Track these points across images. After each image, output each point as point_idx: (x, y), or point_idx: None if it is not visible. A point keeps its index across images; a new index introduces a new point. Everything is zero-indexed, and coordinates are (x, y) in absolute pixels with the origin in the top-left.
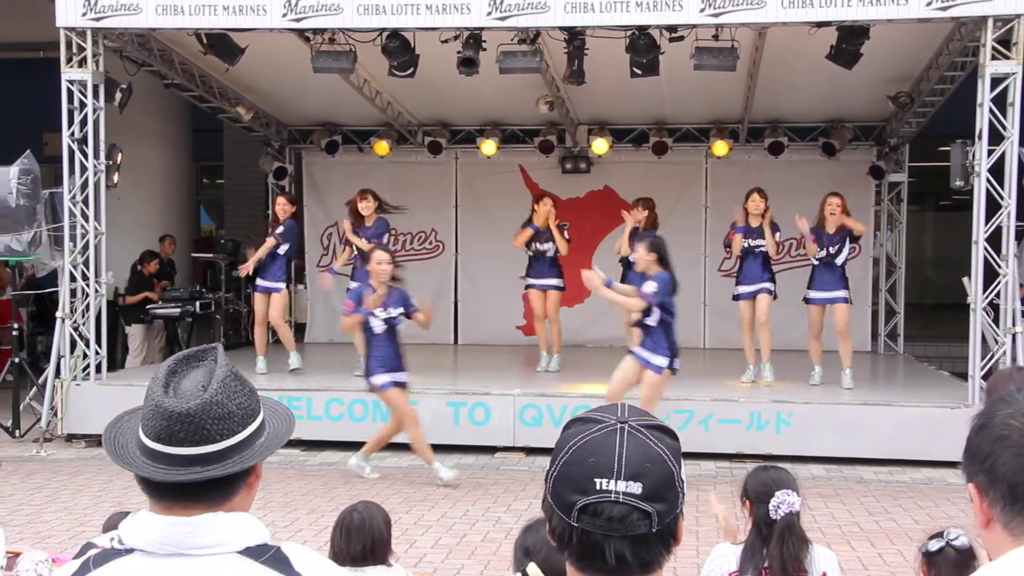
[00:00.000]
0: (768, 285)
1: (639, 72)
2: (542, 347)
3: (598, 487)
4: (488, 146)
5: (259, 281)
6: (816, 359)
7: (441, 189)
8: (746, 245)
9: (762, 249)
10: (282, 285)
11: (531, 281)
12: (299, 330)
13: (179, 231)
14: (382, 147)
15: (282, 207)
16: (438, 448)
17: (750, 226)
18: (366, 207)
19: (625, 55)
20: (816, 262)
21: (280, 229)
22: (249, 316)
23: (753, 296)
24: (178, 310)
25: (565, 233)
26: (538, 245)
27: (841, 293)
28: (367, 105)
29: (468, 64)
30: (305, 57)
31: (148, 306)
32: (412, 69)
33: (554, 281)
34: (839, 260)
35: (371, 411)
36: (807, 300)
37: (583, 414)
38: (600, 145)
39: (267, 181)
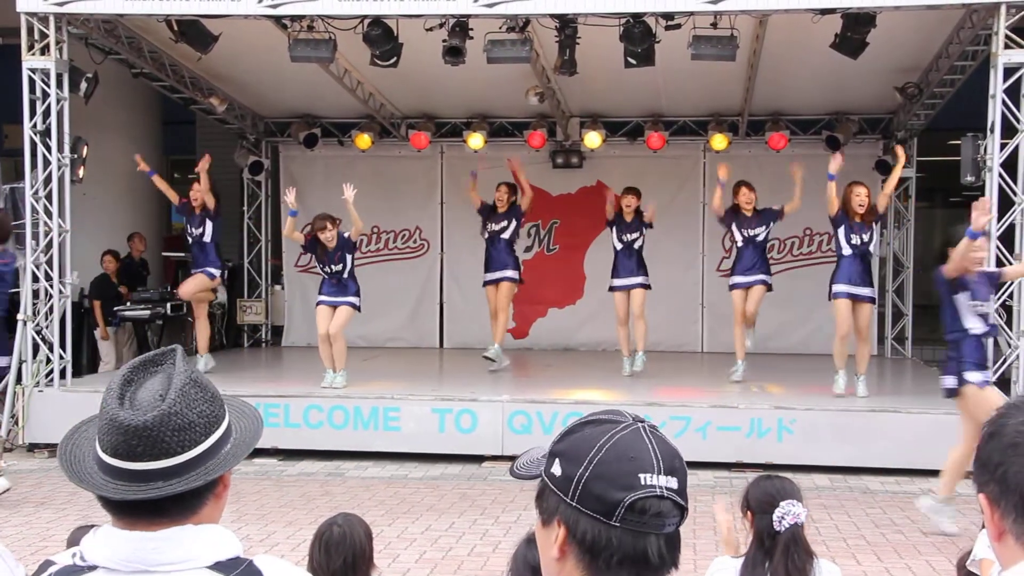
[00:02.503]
0: (765, 277)
1: (634, 62)
2: (495, 339)
3: (643, 482)
4: (475, 140)
5: (193, 270)
6: (842, 363)
7: (426, 185)
8: (745, 235)
9: (760, 239)
10: (214, 271)
11: (486, 276)
12: (276, 333)
13: (149, 229)
14: (364, 140)
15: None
16: (421, 457)
17: (745, 216)
18: (329, 238)
19: (619, 44)
20: (848, 252)
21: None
22: (223, 317)
23: (748, 287)
24: (148, 312)
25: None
26: (492, 225)
27: (869, 291)
28: (348, 96)
29: (454, 53)
30: (282, 45)
31: (116, 308)
32: (395, 59)
33: (508, 272)
34: (872, 248)
35: (351, 418)
36: (835, 295)
37: (589, 417)
38: (593, 139)
39: (242, 176)
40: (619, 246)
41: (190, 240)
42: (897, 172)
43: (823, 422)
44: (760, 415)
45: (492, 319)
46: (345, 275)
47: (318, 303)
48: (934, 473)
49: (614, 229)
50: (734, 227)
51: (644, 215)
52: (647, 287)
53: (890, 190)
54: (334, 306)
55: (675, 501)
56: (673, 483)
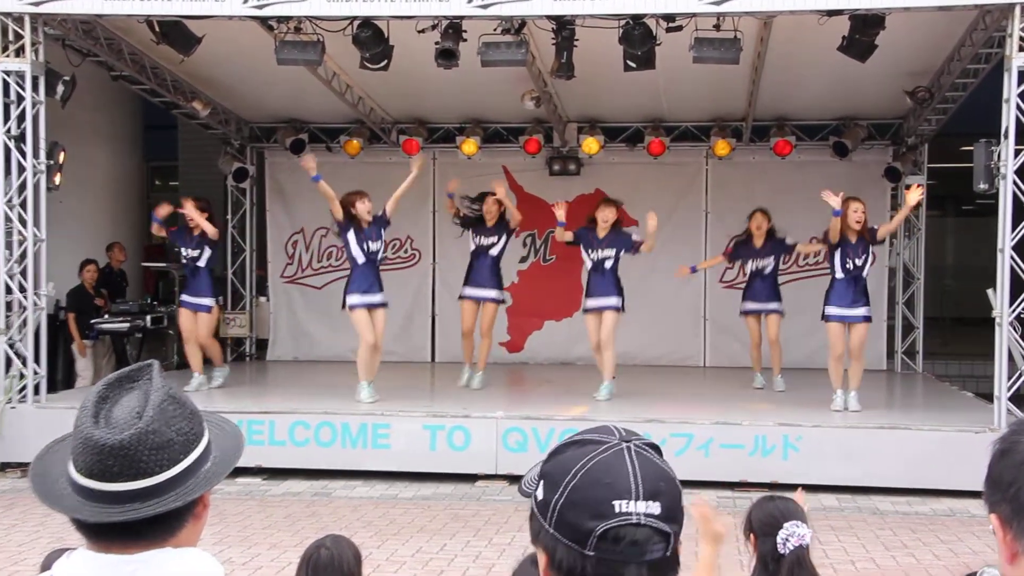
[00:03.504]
0: (777, 306)
1: (633, 65)
2: (466, 359)
3: (617, 510)
4: (469, 146)
5: (185, 297)
6: (838, 383)
7: (417, 192)
8: (753, 268)
9: (770, 271)
10: (211, 302)
11: (466, 291)
12: (261, 347)
13: (129, 238)
14: (353, 146)
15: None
16: (412, 476)
17: (754, 247)
18: (367, 209)
19: (618, 47)
20: (841, 275)
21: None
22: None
23: (760, 314)
24: (127, 325)
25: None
26: (481, 239)
27: (863, 311)
28: (336, 101)
29: (447, 56)
30: (268, 48)
31: (93, 321)
32: (386, 61)
33: (491, 293)
34: (866, 272)
35: (339, 435)
36: (827, 318)
37: (575, 437)
38: (591, 145)
39: (226, 183)
40: (589, 264)
41: (184, 260)
42: (905, 211)
43: (830, 439)
44: (765, 432)
45: (465, 338)
46: (379, 259)
47: (355, 306)
48: (947, 493)
49: (583, 245)
50: (742, 260)
51: (633, 235)
52: (619, 310)
53: (895, 226)
54: (372, 307)
55: (655, 528)
56: (654, 508)
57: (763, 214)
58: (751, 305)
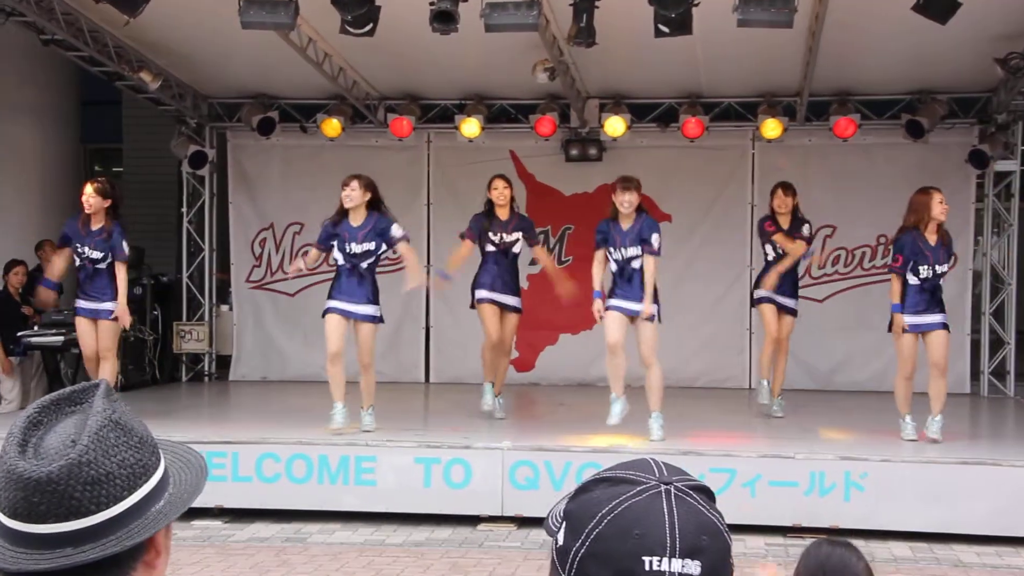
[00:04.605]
0: (794, 304)
1: (666, 30)
2: (487, 376)
3: (647, 567)
4: (470, 126)
5: (82, 303)
6: (907, 407)
7: (409, 181)
8: (781, 251)
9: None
10: (115, 307)
11: (482, 293)
12: (223, 364)
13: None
14: (332, 126)
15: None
16: (402, 518)
17: (779, 227)
18: (353, 197)
19: (648, 8)
20: (915, 282)
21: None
22: (156, 345)
23: (779, 308)
24: (61, 338)
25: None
26: (501, 236)
27: (940, 317)
28: (313, 72)
29: (444, 20)
30: (231, 8)
31: (20, 334)
32: (371, 25)
33: (513, 300)
34: (943, 281)
35: (315, 469)
36: (902, 328)
37: (607, 472)
38: (615, 125)
39: (181, 170)
40: (613, 267)
41: (82, 260)
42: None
43: (902, 476)
44: (823, 467)
45: (492, 349)
46: (365, 265)
47: (328, 311)
48: None
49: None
50: (764, 242)
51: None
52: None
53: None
54: (349, 316)
55: None
56: (693, 568)
57: (785, 190)
58: (767, 293)
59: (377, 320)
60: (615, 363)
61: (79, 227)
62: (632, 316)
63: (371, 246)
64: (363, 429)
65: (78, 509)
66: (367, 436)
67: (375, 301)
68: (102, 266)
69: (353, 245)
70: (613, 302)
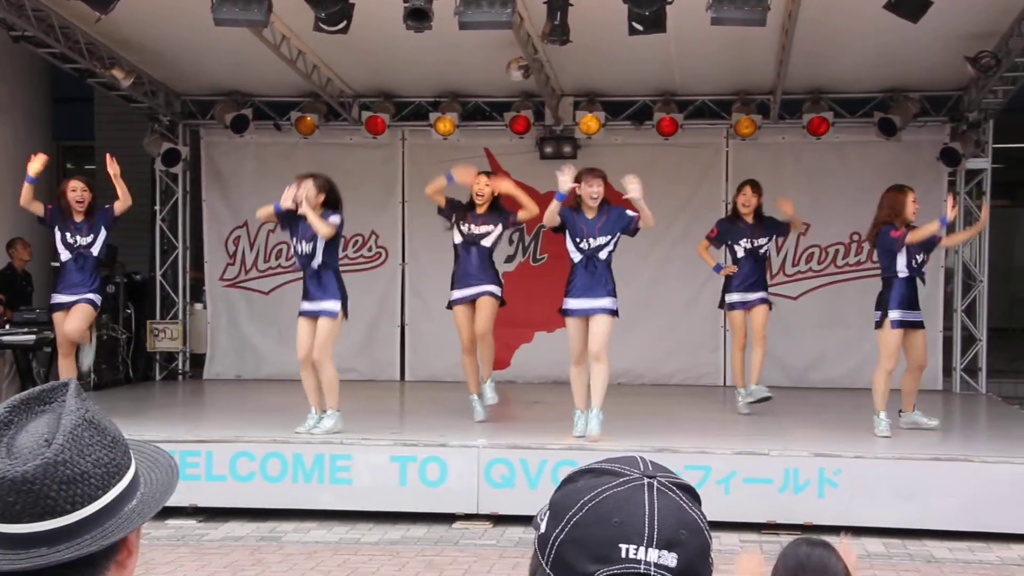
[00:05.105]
0: (765, 295)
1: (640, 28)
2: (471, 387)
3: (624, 555)
4: (445, 124)
5: (60, 296)
6: (884, 404)
7: (384, 179)
8: (747, 246)
9: (764, 251)
10: (98, 298)
11: (455, 294)
12: (196, 363)
13: (34, 233)
14: (306, 124)
15: (79, 193)
16: (377, 516)
17: (748, 224)
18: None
19: (622, 6)
20: (906, 274)
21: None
22: (128, 344)
23: (748, 306)
24: (33, 337)
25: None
26: (471, 227)
27: (920, 315)
28: (286, 70)
29: (418, 17)
30: (204, 5)
31: None
32: (345, 23)
33: (486, 287)
34: (925, 268)
35: (290, 468)
36: (893, 323)
37: (594, 464)
38: (590, 123)
39: (154, 168)
40: (577, 257)
41: (66, 250)
42: (971, 232)
43: (876, 473)
44: (797, 464)
45: (466, 353)
46: (316, 263)
47: (300, 313)
48: (1018, 538)
49: (568, 233)
50: (731, 241)
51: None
52: (613, 314)
53: (954, 243)
54: (313, 316)
55: None
56: (669, 559)
57: (752, 188)
58: (738, 296)
59: (333, 315)
60: (578, 372)
61: (62, 219)
62: (589, 315)
63: (313, 243)
64: (312, 431)
65: (53, 508)
66: (343, 434)
67: (336, 296)
68: (92, 251)
69: (304, 244)
70: (572, 304)
